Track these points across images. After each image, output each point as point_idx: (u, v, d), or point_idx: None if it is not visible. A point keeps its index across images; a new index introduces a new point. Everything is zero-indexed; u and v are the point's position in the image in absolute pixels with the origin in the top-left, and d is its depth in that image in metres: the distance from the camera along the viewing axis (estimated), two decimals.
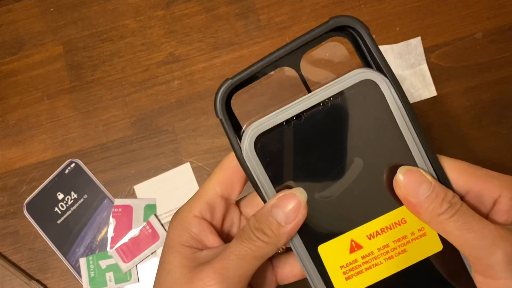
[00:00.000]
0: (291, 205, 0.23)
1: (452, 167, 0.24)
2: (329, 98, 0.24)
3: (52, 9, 0.51)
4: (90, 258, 0.45)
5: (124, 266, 0.45)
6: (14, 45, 0.50)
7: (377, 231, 0.25)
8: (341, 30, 0.25)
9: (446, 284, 0.25)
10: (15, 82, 0.49)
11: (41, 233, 0.46)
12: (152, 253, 0.45)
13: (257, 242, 0.23)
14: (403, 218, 0.25)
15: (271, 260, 0.28)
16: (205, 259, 0.25)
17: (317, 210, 0.24)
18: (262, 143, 0.24)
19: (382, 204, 0.25)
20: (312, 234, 0.25)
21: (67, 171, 0.47)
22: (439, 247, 0.25)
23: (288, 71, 0.25)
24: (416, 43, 0.47)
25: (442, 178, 0.24)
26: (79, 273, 0.45)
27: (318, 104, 0.24)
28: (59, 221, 0.46)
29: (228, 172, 0.27)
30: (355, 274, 0.25)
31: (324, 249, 0.25)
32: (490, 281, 0.22)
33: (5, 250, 0.46)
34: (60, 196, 0.47)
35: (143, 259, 0.45)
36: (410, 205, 0.24)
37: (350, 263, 0.25)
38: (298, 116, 0.24)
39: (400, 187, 0.24)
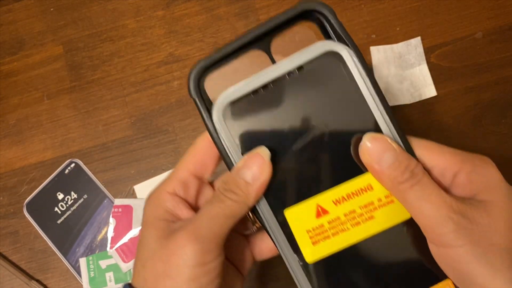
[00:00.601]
0: (256, 163, 0.24)
1: (418, 146, 0.25)
2: (294, 69, 0.25)
3: (52, 9, 0.51)
4: (90, 258, 0.45)
5: (124, 266, 0.45)
6: (14, 45, 0.50)
7: (343, 197, 0.25)
8: (309, 15, 0.26)
9: (414, 253, 0.25)
10: (15, 82, 0.49)
11: (41, 233, 0.46)
12: None
13: (227, 201, 0.24)
14: (370, 184, 0.25)
15: (247, 238, 0.29)
16: (179, 227, 0.25)
17: (284, 175, 0.25)
18: (231, 112, 0.25)
19: (348, 171, 0.25)
20: (279, 198, 0.25)
21: (67, 171, 0.47)
22: (407, 215, 0.25)
23: (260, 54, 0.26)
24: (416, 43, 0.47)
25: (406, 146, 0.25)
26: (79, 273, 0.45)
27: (284, 74, 0.25)
28: (59, 221, 0.46)
29: (200, 151, 0.27)
30: (322, 239, 0.25)
31: (290, 213, 0.25)
32: (442, 250, 0.23)
33: (5, 250, 0.46)
34: (60, 196, 0.47)
35: None
36: (374, 172, 0.24)
37: (317, 228, 0.25)
38: (265, 86, 0.25)
39: (365, 153, 0.24)
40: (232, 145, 0.25)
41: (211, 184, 0.29)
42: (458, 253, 0.23)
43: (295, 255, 0.25)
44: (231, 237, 0.28)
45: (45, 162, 0.48)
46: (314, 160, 0.25)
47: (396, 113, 0.46)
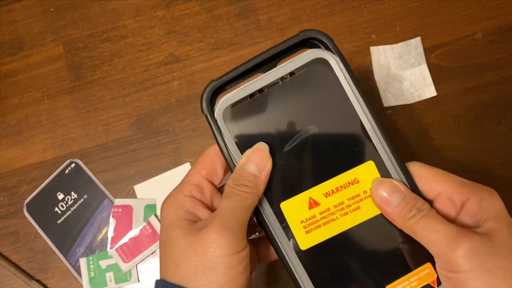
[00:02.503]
0: (258, 156, 0.27)
1: (426, 174, 0.28)
2: (286, 75, 0.28)
3: (52, 9, 0.51)
4: (90, 258, 0.45)
5: (124, 266, 0.45)
6: (14, 45, 0.50)
7: (332, 190, 0.28)
8: (310, 43, 0.29)
9: (397, 239, 0.28)
10: (15, 82, 0.49)
11: (41, 233, 0.46)
12: (152, 253, 0.45)
13: (242, 194, 0.27)
14: (356, 178, 0.28)
15: (253, 243, 0.32)
16: (203, 224, 0.27)
17: (279, 172, 0.28)
18: (231, 114, 0.28)
19: (336, 166, 0.28)
20: (275, 193, 0.28)
21: (67, 171, 0.47)
22: None
23: None
24: (416, 43, 0.47)
25: (390, 146, 0.27)
26: (79, 273, 0.45)
27: (277, 80, 0.28)
28: (59, 221, 0.46)
29: (211, 159, 0.30)
30: (314, 228, 0.28)
31: (286, 206, 0.28)
32: (453, 275, 0.25)
33: (5, 250, 0.46)
34: (60, 196, 0.47)
35: (143, 259, 0.45)
36: (385, 213, 0.27)
37: (310, 218, 0.28)
38: (261, 90, 0.28)
39: (375, 197, 0.27)
40: (231, 144, 0.28)
41: (219, 190, 0.31)
42: (466, 277, 0.24)
43: (290, 244, 0.28)
44: None
45: (45, 162, 0.48)
46: (306, 157, 0.28)
47: (396, 113, 0.46)
